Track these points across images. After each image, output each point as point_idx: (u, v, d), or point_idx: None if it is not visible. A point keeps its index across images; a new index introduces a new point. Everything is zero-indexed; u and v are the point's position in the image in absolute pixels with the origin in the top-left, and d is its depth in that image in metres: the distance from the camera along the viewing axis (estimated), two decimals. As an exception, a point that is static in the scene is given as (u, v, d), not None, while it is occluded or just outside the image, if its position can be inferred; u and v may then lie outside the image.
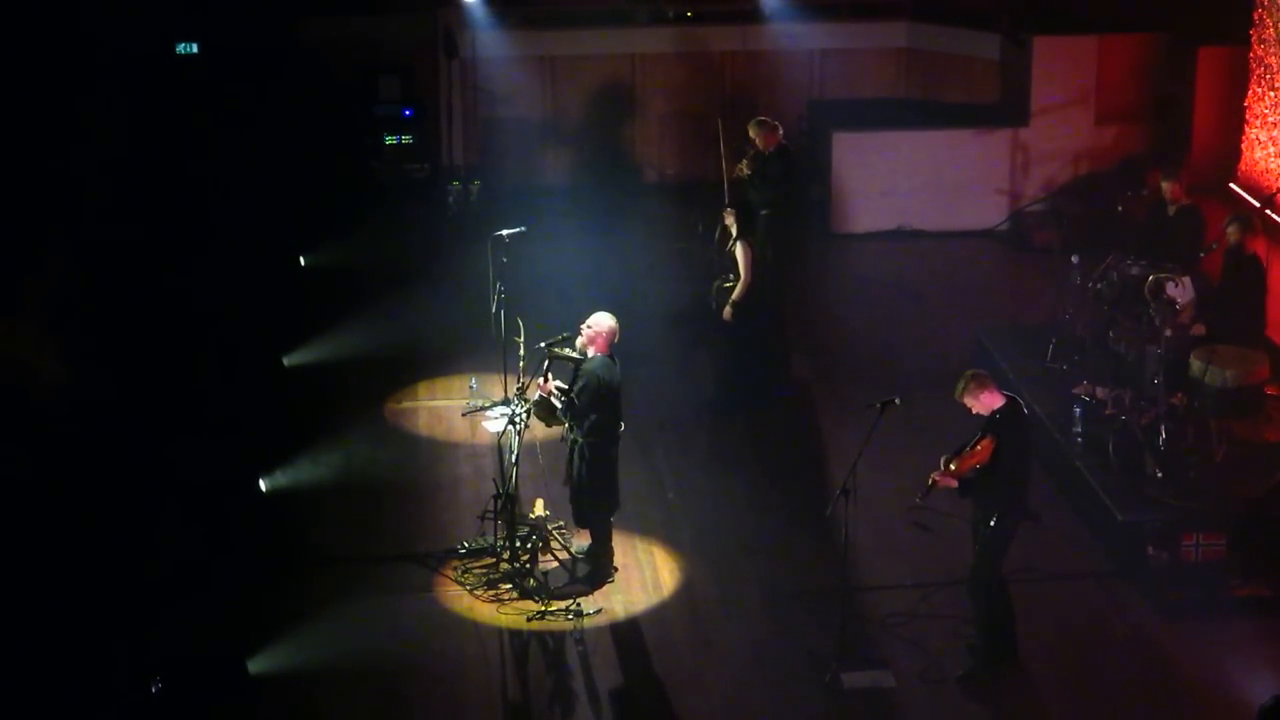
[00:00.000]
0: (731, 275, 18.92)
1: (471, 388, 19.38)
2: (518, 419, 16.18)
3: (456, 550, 16.38)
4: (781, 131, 20.63)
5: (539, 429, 16.63)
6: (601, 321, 15.73)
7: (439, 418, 19.08)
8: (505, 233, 18.69)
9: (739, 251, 18.80)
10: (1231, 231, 17.82)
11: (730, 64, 25.62)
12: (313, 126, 23.83)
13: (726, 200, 20.14)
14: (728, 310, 18.90)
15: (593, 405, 15.56)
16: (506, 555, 16.05)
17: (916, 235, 24.16)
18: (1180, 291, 17.39)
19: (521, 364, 17.06)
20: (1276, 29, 21.57)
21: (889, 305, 22.03)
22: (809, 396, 19.70)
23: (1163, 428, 16.84)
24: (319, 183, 23.63)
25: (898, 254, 23.66)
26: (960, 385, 14.40)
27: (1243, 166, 22.30)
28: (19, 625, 14.77)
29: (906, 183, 24.15)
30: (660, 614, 15.70)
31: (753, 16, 25.43)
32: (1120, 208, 20.20)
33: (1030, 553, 15.76)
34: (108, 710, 14.22)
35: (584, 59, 25.48)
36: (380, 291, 21.81)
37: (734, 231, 18.89)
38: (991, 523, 14.33)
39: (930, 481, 14.31)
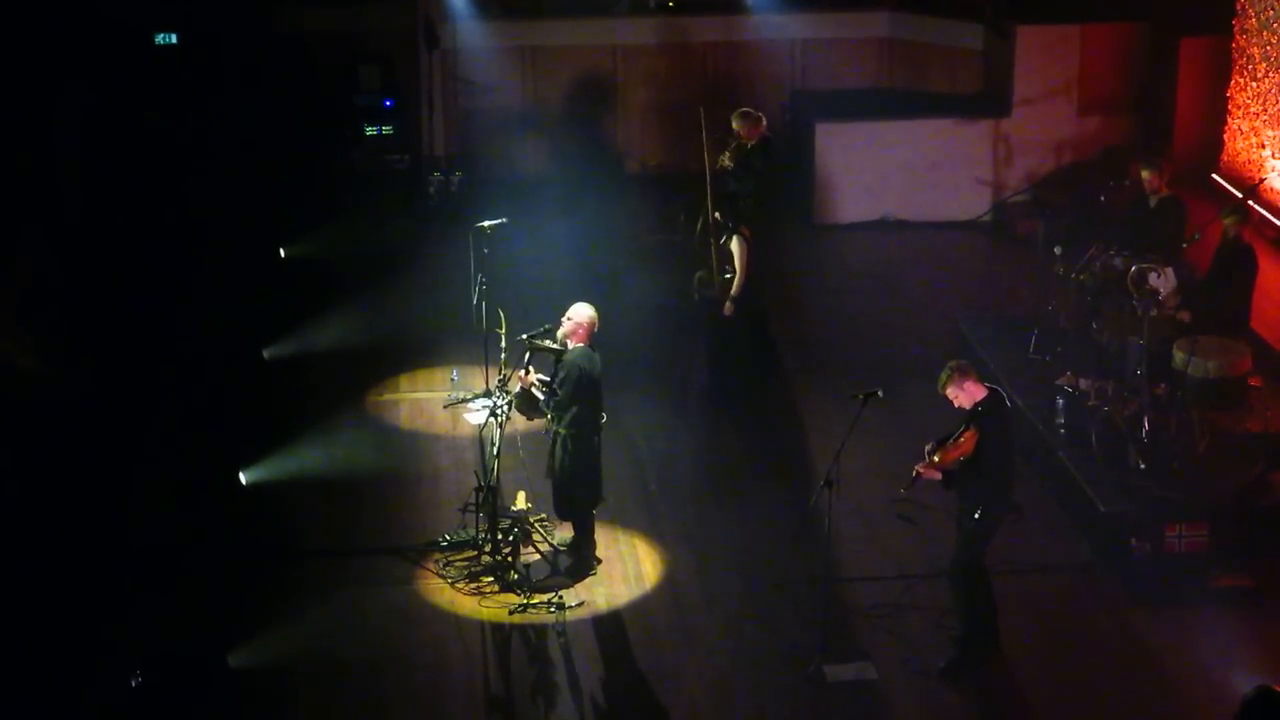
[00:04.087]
0: (728, 268, 18.82)
1: (453, 380, 19.33)
2: (499, 411, 16.13)
3: (438, 543, 16.32)
4: (765, 123, 20.60)
5: (520, 421, 16.58)
6: (581, 312, 15.68)
7: (420, 410, 19.03)
8: (486, 224, 18.64)
9: (735, 246, 18.70)
10: (1230, 224, 17.75)
11: (712, 54, 25.58)
12: (292, 117, 23.75)
13: (709, 190, 20.13)
14: (729, 306, 18.81)
15: (574, 396, 15.52)
16: (488, 548, 16.01)
17: (899, 226, 24.13)
18: (1163, 282, 17.38)
19: (503, 355, 17.01)
20: (1259, 19, 21.57)
21: (871, 296, 22.00)
22: (792, 388, 19.67)
23: (1145, 419, 16.82)
24: (299, 173, 23.56)
25: (880, 245, 23.64)
26: (943, 377, 14.37)
27: (1225, 157, 22.32)
28: (-3, 619, 14.75)
29: (889, 173, 24.12)
30: (643, 606, 15.67)
31: (734, 7, 25.39)
32: (1103, 198, 20.17)
33: (1012, 544, 15.73)
34: (87, 704, 14.15)
35: (565, 49, 25.44)
36: (360, 283, 21.75)
37: (727, 225, 18.77)
38: (975, 515, 14.30)
39: (914, 474, 14.29)
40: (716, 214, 18.87)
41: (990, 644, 14.78)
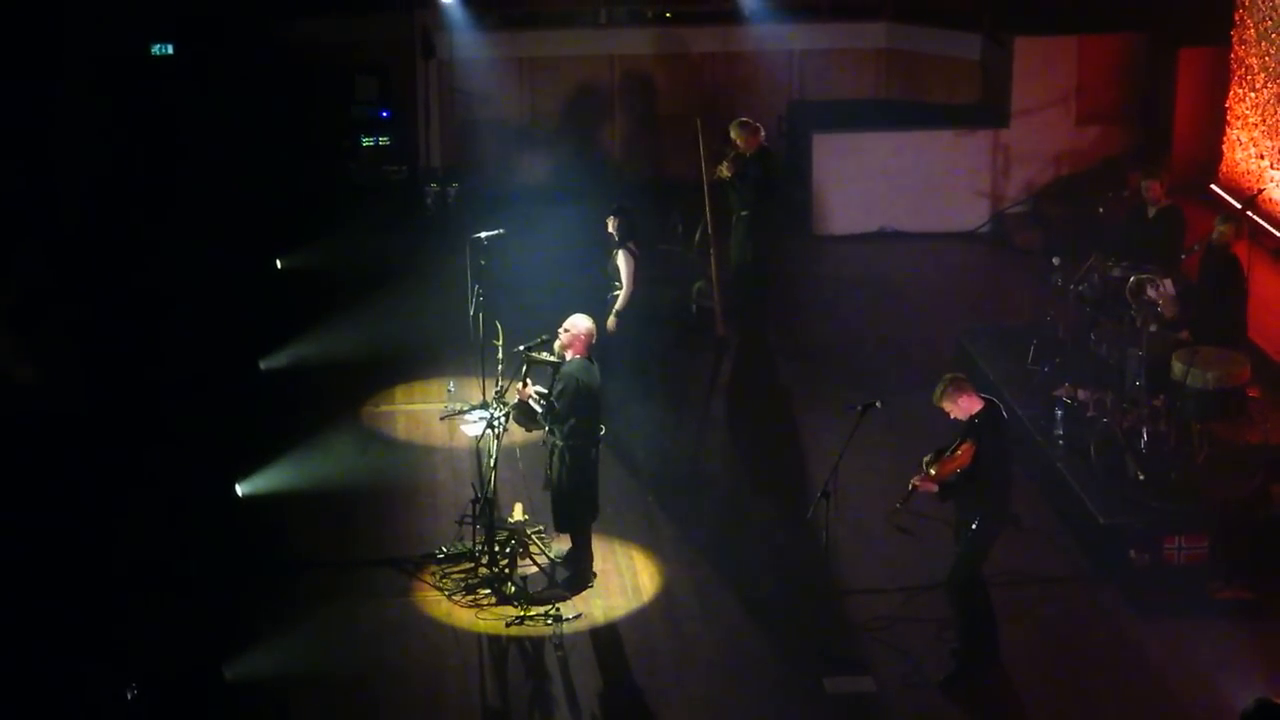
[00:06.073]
0: (616, 284, 18.80)
1: (449, 391, 19.27)
2: (496, 422, 16.09)
3: (435, 555, 16.28)
4: (763, 133, 20.57)
5: (517, 432, 16.54)
6: (579, 324, 15.64)
7: (417, 421, 18.98)
8: (483, 235, 18.60)
9: (620, 260, 18.69)
10: (1224, 231, 17.69)
11: (709, 65, 25.56)
12: (289, 128, 23.71)
13: (707, 200, 20.11)
14: (611, 320, 18.76)
15: (572, 408, 15.47)
16: (485, 560, 15.96)
17: (897, 237, 24.09)
18: (1161, 293, 17.34)
19: (500, 367, 16.97)
20: (1257, 29, 21.54)
21: (870, 307, 21.97)
22: (790, 399, 19.64)
23: (1144, 430, 16.80)
24: (295, 184, 23.51)
25: (879, 256, 23.60)
26: (939, 390, 14.34)
27: (1224, 167, 22.28)
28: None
29: (887, 184, 24.08)
30: (640, 619, 15.62)
31: (732, 17, 25.37)
32: (1101, 209, 20.16)
33: (1012, 555, 15.70)
34: (83, 717, 14.10)
35: (562, 60, 25.41)
36: (357, 294, 21.69)
37: (615, 238, 18.77)
38: (973, 526, 14.26)
39: (911, 486, 14.25)
40: (610, 225, 18.83)
41: (989, 656, 14.73)
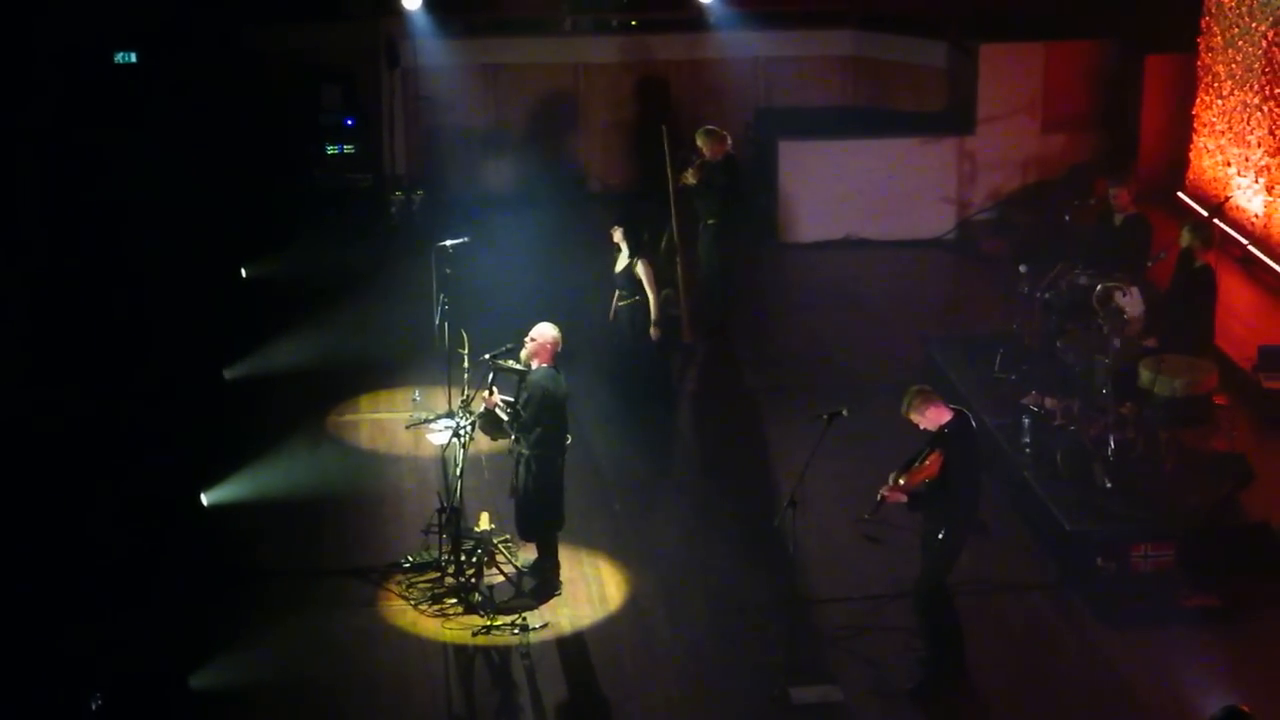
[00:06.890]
0: (636, 294, 18.73)
1: (415, 400, 19.21)
2: (462, 431, 16.03)
3: (401, 564, 16.21)
4: (729, 141, 20.55)
5: (483, 441, 16.48)
6: (545, 332, 15.59)
7: (382, 430, 18.91)
8: (449, 243, 18.55)
9: (640, 269, 18.63)
10: (1184, 235, 17.70)
11: (675, 73, 25.53)
12: (254, 136, 23.63)
13: (673, 208, 20.07)
14: (654, 331, 18.72)
15: (538, 417, 15.41)
16: (451, 569, 15.90)
17: (864, 244, 24.08)
18: (1129, 301, 17.33)
19: (465, 376, 16.91)
20: (1224, 37, 21.59)
21: (836, 315, 21.95)
22: (757, 407, 19.60)
23: (1111, 438, 16.79)
24: (260, 193, 23.44)
25: (845, 263, 23.59)
26: (906, 402, 14.29)
27: (1191, 175, 22.33)
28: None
29: (853, 191, 24.07)
30: (607, 628, 15.57)
31: (698, 25, 25.34)
32: (1068, 216, 20.14)
33: (979, 563, 15.68)
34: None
35: (528, 68, 25.38)
36: (322, 303, 21.63)
37: (626, 250, 18.71)
38: (939, 536, 14.23)
39: (879, 497, 14.19)
40: (616, 236, 18.78)
41: (956, 665, 14.70)
